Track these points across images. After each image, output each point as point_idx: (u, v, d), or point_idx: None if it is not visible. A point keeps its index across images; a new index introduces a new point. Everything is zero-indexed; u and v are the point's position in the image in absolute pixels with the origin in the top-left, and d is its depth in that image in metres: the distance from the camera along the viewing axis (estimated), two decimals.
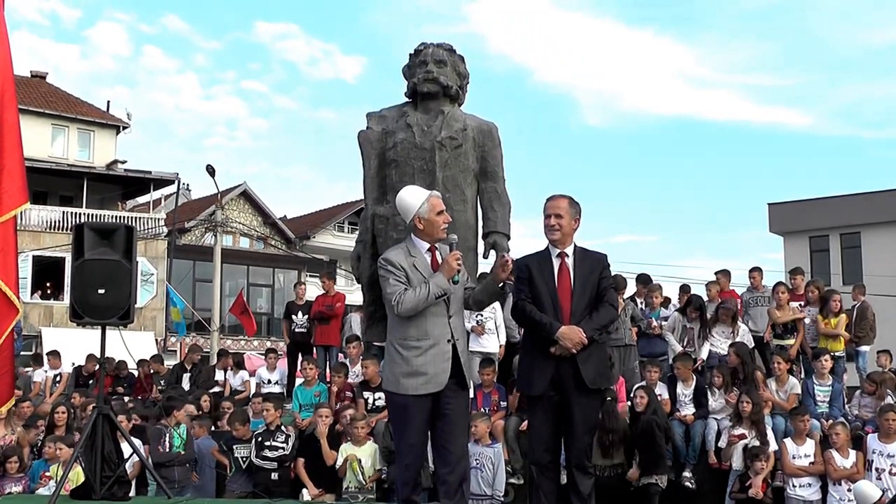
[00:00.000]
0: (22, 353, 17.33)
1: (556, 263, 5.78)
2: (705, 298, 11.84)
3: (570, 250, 5.81)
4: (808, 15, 79.92)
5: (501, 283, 5.46)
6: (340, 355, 12.28)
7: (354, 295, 14.20)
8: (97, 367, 14.50)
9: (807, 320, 11.24)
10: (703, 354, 10.72)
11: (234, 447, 9.42)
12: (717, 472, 8.96)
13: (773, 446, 8.71)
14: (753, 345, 11.00)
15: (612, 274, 6.85)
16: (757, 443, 8.63)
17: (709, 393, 9.48)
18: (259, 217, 39.68)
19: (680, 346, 11.01)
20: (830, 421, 9.08)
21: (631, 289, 12.46)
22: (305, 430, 9.67)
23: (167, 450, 9.48)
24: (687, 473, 9.05)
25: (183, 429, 9.76)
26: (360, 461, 8.72)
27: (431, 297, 5.21)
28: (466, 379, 5.41)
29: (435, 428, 5.37)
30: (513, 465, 8.97)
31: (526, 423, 7.74)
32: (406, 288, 5.28)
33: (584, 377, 5.60)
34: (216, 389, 13.00)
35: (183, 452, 9.52)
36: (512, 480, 8.93)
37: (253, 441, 9.32)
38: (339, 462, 8.82)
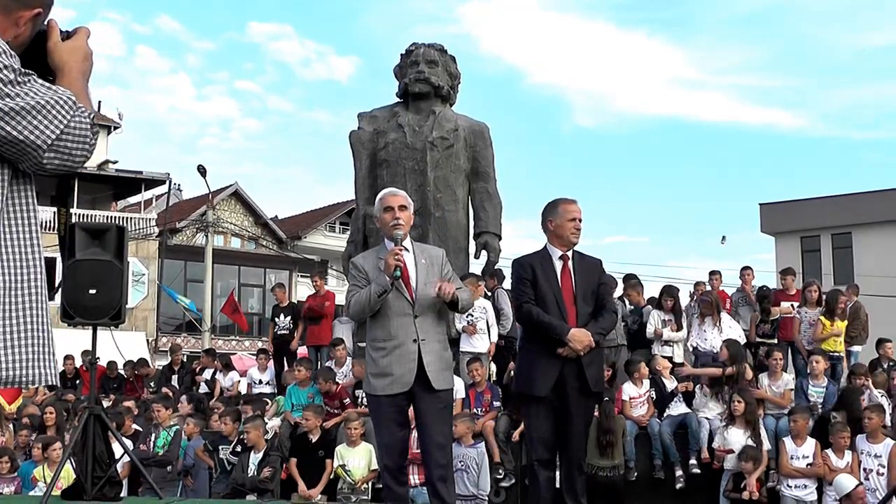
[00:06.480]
0: None
1: (558, 266, 5.83)
2: (695, 298, 11.87)
3: (570, 253, 5.87)
4: (800, 17, 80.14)
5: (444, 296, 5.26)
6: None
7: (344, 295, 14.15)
8: (78, 366, 14.66)
9: (803, 321, 11.23)
10: (689, 343, 10.67)
11: (220, 447, 9.37)
12: (709, 470, 8.93)
13: (766, 446, 8.72)
14: (746, 341, 10.97)
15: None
16: (752, 443, 8.63)
17: (696, 390, 9.52)
18: (250, 217, 39.57)
19: (669, 334, 10.87)
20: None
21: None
22: (297, 429, 9.67)
23: (149, 450, 9.47)
24: (678, 472, 9.07)
25: (173, 430, 9.72)
26: (344, 466, 8.71)
27: (373, 296, 5.22)
28: (430, 381, 5.26)
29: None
30: (504, 467, 8.96)
31: (521, 427, 7.76)
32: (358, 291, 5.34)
33: (588, 380, 5.69)
34: (203, 389, 12.98)
35: (161, 454, 9.48)
36: (504, 484, 8.92)
37: (236, 440, 9.30)
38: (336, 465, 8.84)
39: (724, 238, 38.94)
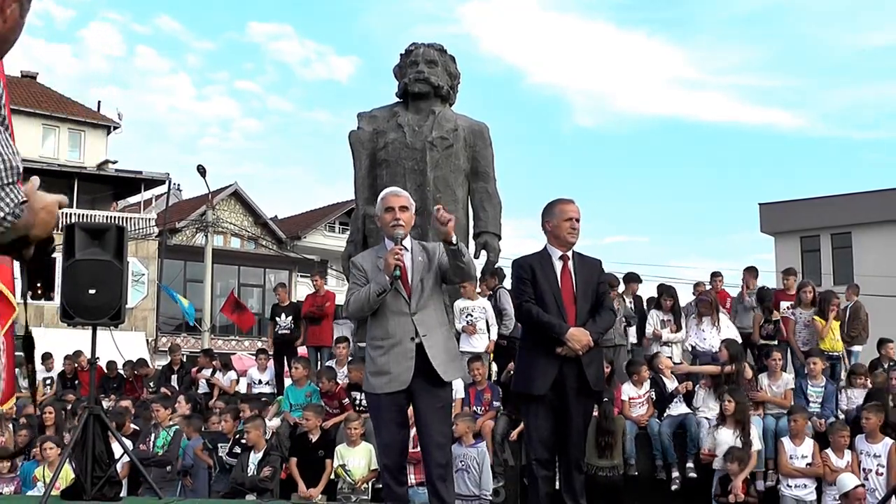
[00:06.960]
0: (15, 353, 17.28)
1: (558, 266, 5.83)
2: (692, 297, 11.85)
3: (569, 253, 5.87)
4: (800, 17, 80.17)
5: (449, 240, 5.17)
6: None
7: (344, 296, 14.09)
8: (78, 366, 14.65)
9: (798, 322, 11.22)
10: (687, 343, 10.68)
11: (220, 446, 9.37)
12: (708, 471, 8.89)
13: (756, 446, 8.69)
14: (742, 341, 10.98)
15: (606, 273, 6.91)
16: (739, 443, 8.61)
17: (696, 389, 9.51)
18: (250, 217, 39.56)
19: (668, 335, 10.89)
20: (822, 420, 9.10)
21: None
22: (297, 429, 9.66)
23: (149, 450, 9.46)
24: (675, 473, 9.06)
25: (173, 430, 9.71)
26: (344, 466, 8.70)
27: (372, 295, 5.23)
28: (440, 376, 5.27)
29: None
30: (494, 469, 8.91)
31: (520, 427, 7.71)
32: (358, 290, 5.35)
33: (588, 379, 5.69)
34: (203, 389, 12.97)
35: (161, 454, 9.47)
36: (493, 486, 8.87)
37: (232, 439, 9.29)
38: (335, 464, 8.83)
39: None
